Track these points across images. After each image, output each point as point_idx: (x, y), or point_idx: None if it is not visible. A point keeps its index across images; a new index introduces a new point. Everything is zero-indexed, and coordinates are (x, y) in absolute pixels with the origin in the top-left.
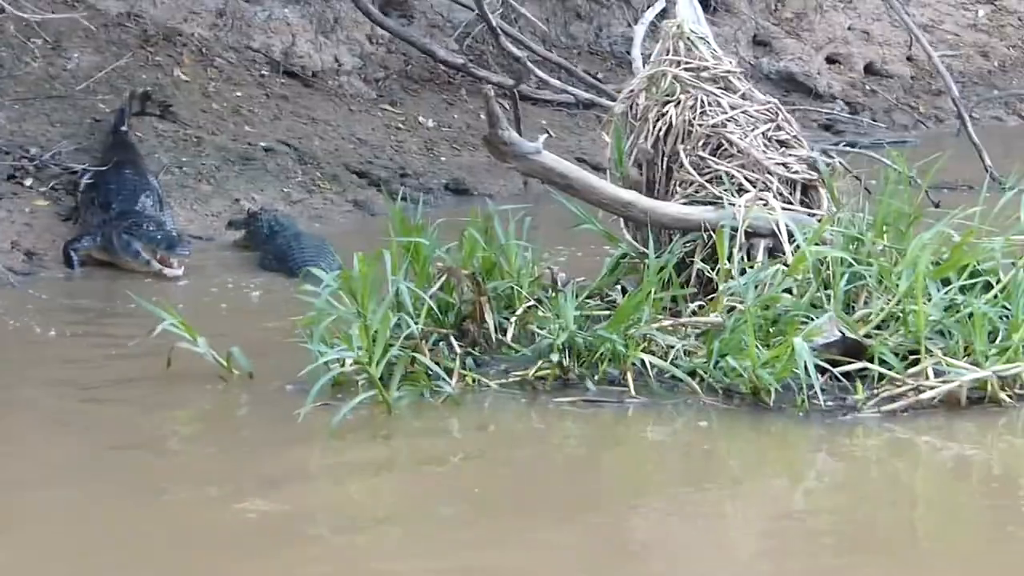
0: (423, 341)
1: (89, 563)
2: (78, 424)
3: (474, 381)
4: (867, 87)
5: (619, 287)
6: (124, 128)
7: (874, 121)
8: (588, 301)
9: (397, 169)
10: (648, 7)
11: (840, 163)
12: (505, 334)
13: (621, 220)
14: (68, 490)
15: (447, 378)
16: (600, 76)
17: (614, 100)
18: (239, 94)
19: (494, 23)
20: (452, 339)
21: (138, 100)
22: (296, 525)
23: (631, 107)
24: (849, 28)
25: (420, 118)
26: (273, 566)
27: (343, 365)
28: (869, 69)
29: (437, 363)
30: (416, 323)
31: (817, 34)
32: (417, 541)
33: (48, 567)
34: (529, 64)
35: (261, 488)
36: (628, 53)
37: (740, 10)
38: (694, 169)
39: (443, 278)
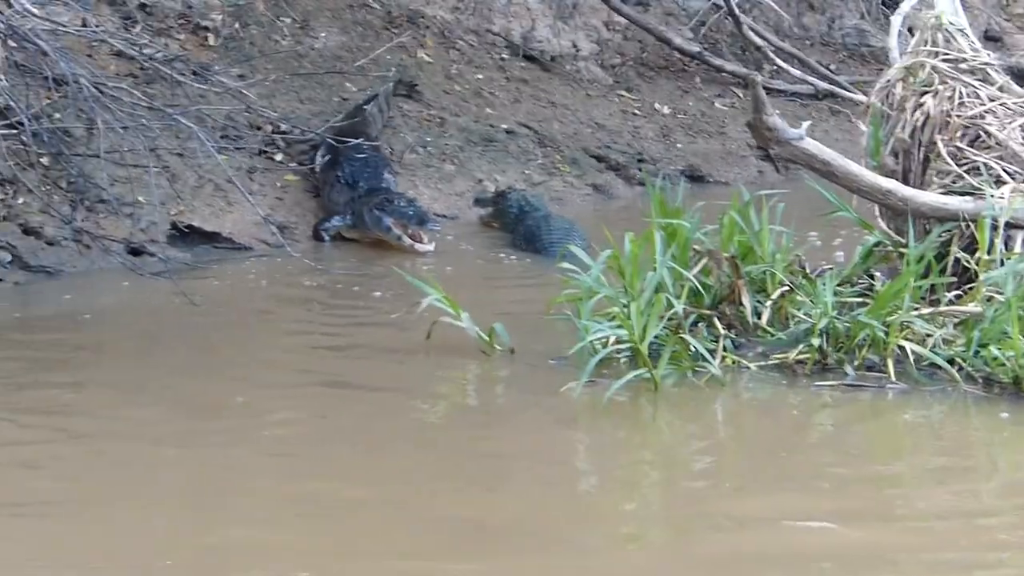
0: (684, 321)
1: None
2: (355, 392)
3: (734, 362)
4: None
5: (872, 274)
6: (367, 107)
7: None
8: (839, 288)
9: (634, 154)
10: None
11: None
12: (760, 317)
13: (875, 208)
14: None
15: (711, 359)
16: (832, 67)
17: (850, 91)
18: (480, 76)
19: (736, 12)
20: (716, 320)
21: (394, 84)
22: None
23: (887, 97)
24: None
25: (656, 104)
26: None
27: (606, 344)
28: None
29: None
30: (679, 304)
31: None
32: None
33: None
34: (770, 53)
35: (550, 457)
36: (859, 45)
37: (973, 4)
38: (951, 160)
39: (703, 261)
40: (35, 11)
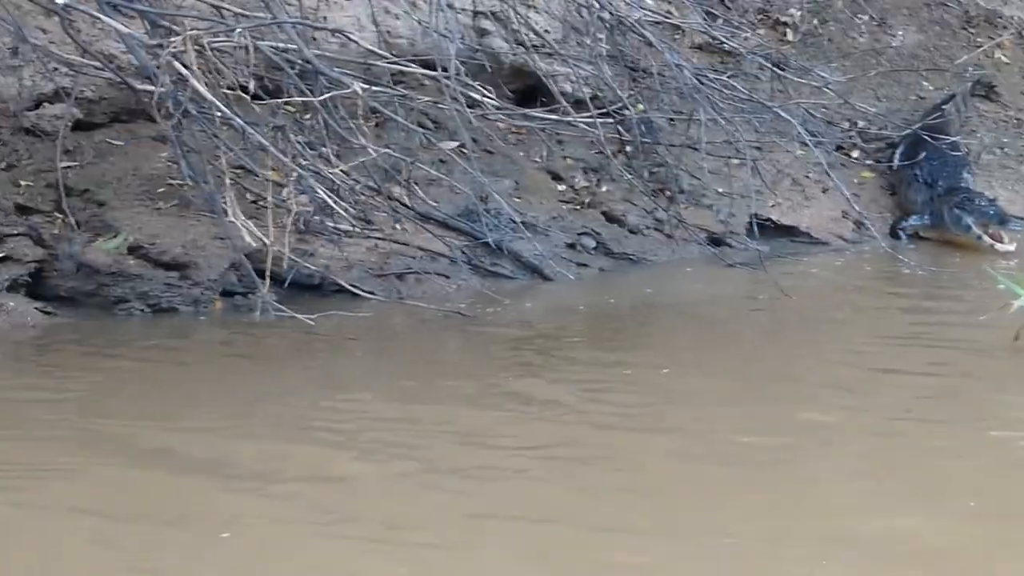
0: None
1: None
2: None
3: None
4: None
5: None
6: (945, 107)
7: None
8: None
9: None
10: None
11: None
12: None
13: None
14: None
15: None
16: None
17: None
18: None
19: None
20: None
21: (972, 84)
22: None
23: None
24: None
25: None
26: None
27: None
28: None
29: None
30: None
31: None
32: None
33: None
34: None
35: None
36: None
37: None
38: None
39: None
40: (651, 3)
